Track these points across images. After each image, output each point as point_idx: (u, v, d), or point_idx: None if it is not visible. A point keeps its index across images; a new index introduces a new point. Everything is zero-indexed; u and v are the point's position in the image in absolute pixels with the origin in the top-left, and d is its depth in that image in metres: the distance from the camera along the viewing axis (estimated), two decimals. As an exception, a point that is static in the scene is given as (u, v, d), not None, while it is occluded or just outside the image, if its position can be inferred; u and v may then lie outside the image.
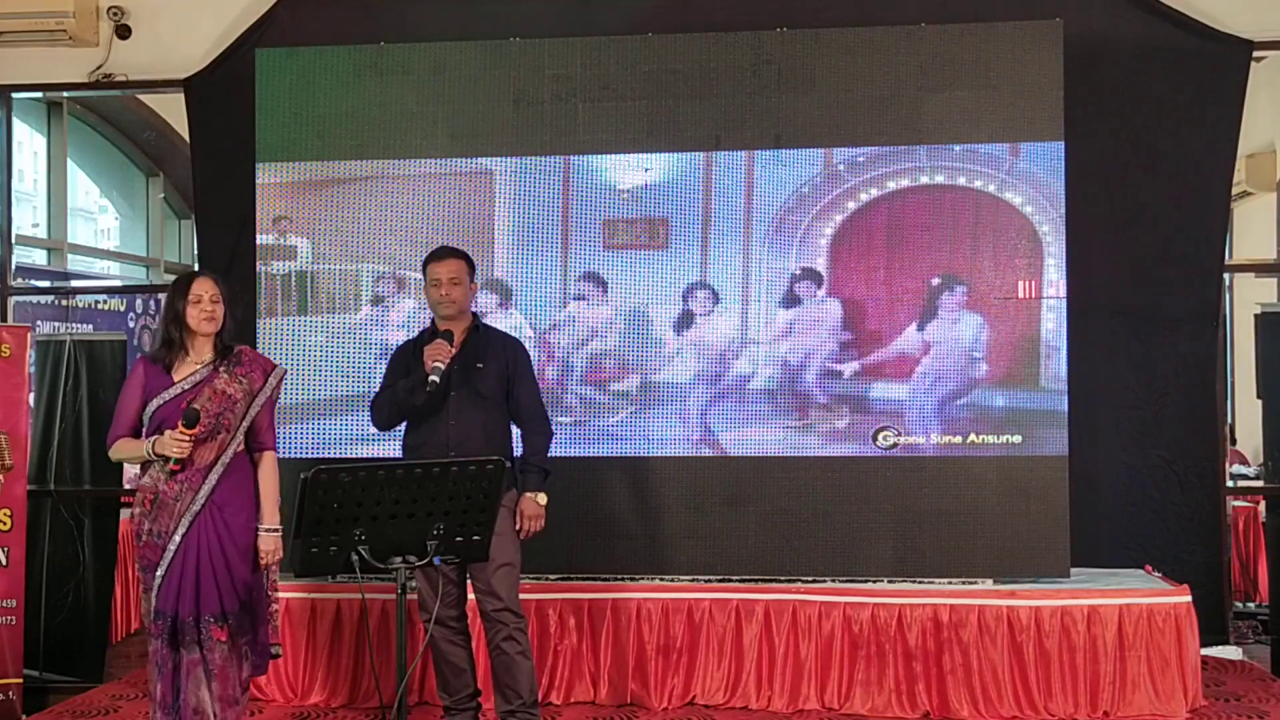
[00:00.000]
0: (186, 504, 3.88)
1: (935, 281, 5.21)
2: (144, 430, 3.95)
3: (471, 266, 4.39)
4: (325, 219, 5.47)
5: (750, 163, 5.31)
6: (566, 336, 5.37)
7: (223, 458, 3.93)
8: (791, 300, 5.28)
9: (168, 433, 3.84)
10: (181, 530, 3.88)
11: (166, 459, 3.84)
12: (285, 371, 4.19)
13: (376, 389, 4.52)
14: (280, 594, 4.40)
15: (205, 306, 3.93)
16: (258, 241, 5.52)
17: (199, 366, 3.97)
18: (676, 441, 5.30)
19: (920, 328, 5.21)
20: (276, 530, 3.99)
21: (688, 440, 5.30)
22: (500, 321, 5.15)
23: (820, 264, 5.28)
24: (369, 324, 5.45)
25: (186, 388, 3.93)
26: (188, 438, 3.82)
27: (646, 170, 5.34)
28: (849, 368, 5.24)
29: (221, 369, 3.97)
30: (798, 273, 5.28)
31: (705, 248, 5.31)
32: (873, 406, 5.22)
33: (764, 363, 5.29)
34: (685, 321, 5.32)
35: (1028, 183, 5.18)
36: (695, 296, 5.32)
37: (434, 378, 4.15)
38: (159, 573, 3.89)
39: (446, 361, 4.19)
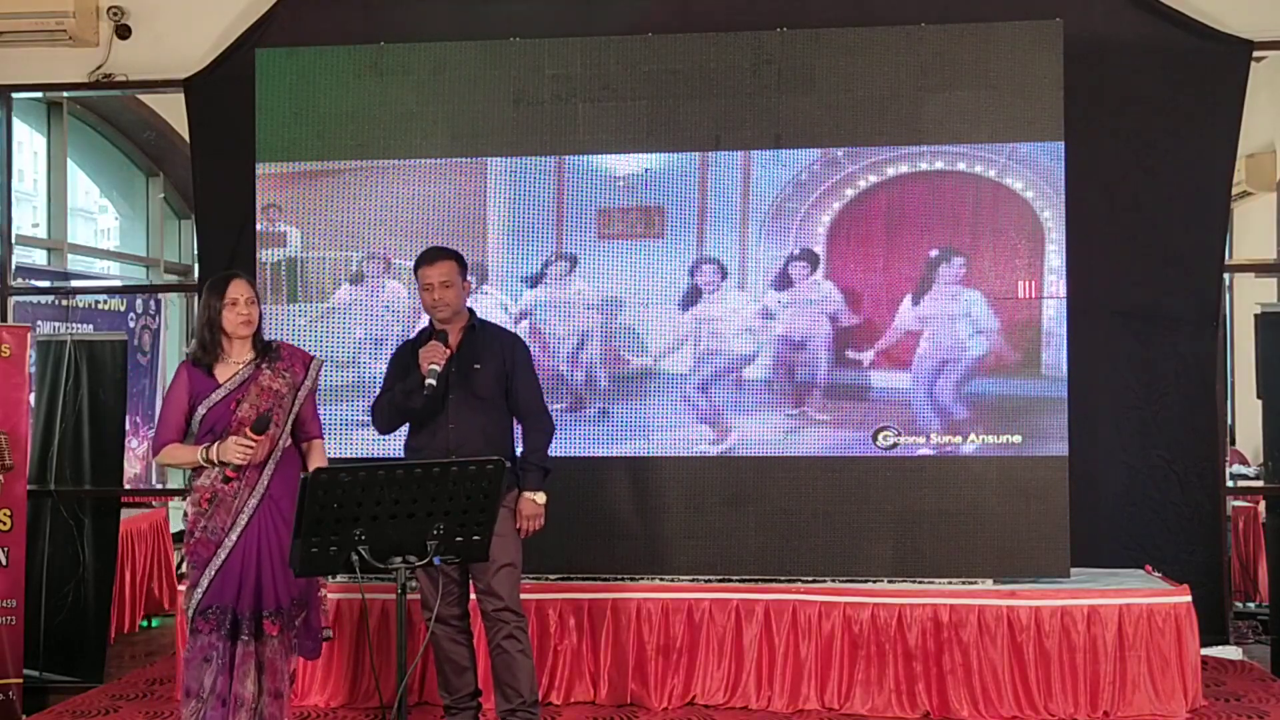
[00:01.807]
0: (244, 500, 3.93)
1: (933, 254, 5.21)
2: (195, 434, 3.97)
3: (463, 265, 4.36)
4: (323, 213, 5.46)
5: (747, 159, 5.30)
6: (561, 329, 5.37)
7: (275, 453, 3.98)
8: (787, 284, 5.27)
9: (231, 439, 3.86)
10: (240, 526, 3.92)
11: (225, 464, 3.87)
12: (324, 362, 4.23)
13: (367, 377, 4.49)
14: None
15: (241, 310, 3.97)
16: (256, 229, 5.52)
17: (241, 366, 4.00)
18: (673, 430, 5.28)
19: (915, 302, 5.20)
20: None
21: (684, 428, 5.28)
22: (486, 304, 5.14)
23: (819, 249, 5.27)
24: (361, 312, 5.44)
25: (232, 388, 3.97)
26: (254, 444, 3.85)
27: (646, 170, 5.34)
28: (848, 352, 5.23)
29: (264, 366, 4.01)
30: (795, 254, 5.27)
31: (702, 233, 5.30)
32: (873, 393, 5.21)
33: (762, 348, 5.28)
34: (691, 299, 5.30)
35: (1029, 168, 5.17)
36: (701, 271, 5.31)
37: (430, 380, 4.14)
38: (212, 567, 3.91)
39: (442, 363, 4.18)
